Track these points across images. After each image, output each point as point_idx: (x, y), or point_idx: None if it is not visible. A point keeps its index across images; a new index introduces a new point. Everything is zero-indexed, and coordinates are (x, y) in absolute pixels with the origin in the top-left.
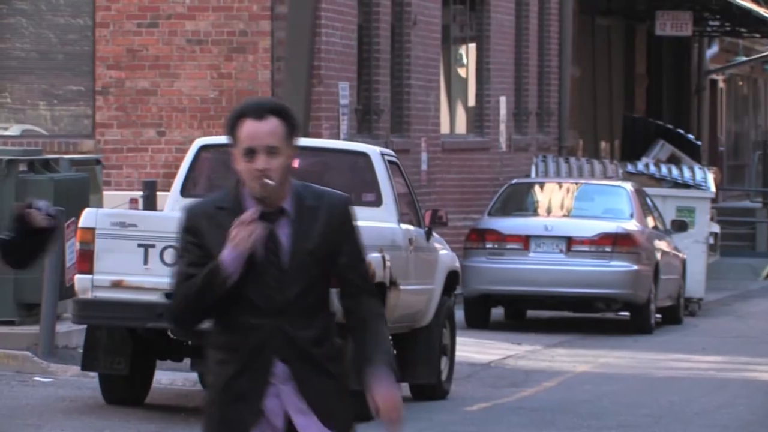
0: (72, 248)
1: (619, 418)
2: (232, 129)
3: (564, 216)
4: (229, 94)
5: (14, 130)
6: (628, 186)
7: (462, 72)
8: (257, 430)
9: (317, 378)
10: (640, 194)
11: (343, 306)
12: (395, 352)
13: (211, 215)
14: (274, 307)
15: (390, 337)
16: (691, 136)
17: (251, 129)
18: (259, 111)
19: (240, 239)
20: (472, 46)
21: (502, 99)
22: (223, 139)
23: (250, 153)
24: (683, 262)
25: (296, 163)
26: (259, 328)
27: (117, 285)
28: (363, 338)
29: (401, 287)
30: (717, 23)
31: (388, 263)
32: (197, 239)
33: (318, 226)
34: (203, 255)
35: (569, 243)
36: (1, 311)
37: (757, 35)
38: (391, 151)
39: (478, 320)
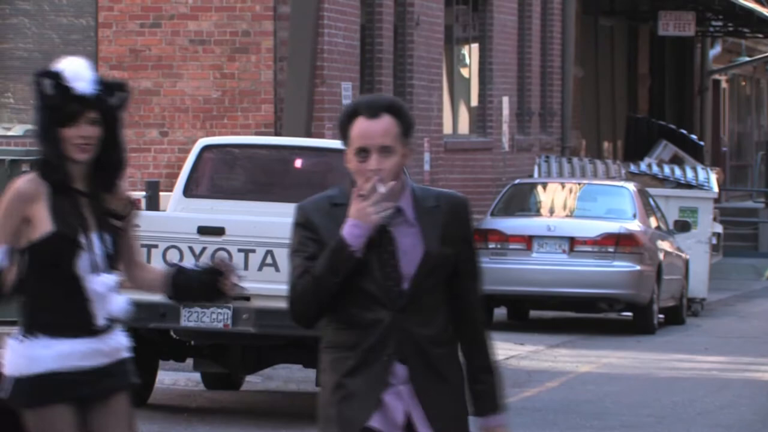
0: None
1: (621, 418)
2: (344, 127)
3: (567, 216)
4: (231, 95)
5: (17, 130)
6: (631, 186)
7: (465, 72)
8: (375, 421)
9: (434, 382)
10: (642, 194)
11: (450, 311)
12: None
13: (327, 211)
14: (393, 305)
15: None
16: (693, 137)
17: (364, 128)
18: (372, 109)
19: (366, 213)
20: (475, 46)
21: (505, 99)
22: (225, 140)
23: (363, 153)
24: (686, 262)
25: (299, 163)
26: (378, 323)
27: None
28: (470, 352)
29: None
30: (720, 23)
31: None
32: (313, 234)
33: (440, 227)
34: (320, 249)
35: (572, 243)
36: (4, 311)
37: (760, 35)
38: None
39: None
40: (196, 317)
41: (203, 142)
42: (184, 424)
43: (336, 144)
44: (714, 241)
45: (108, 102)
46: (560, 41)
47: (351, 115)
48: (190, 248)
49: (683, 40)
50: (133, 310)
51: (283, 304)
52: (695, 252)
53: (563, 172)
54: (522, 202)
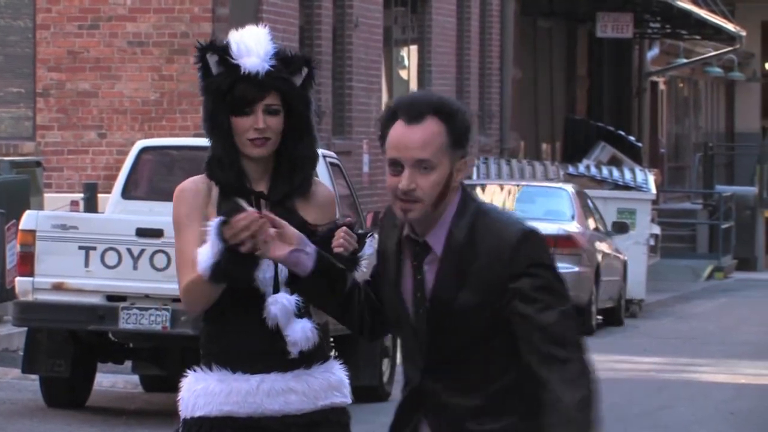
0: (12, 251)
1: None
2: (382, 131)
3: None
4: (170, 96)
5: None
6: (570, 188)
7: (403, 74)
8: None
9: None
10: (581, 196)
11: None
12: (337, 354)
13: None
14: (424, 363)
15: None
16: (631, 138)
17: (399, 135)
18: (413, 110)
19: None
20: (414, 48)
21: None
22: (164, 141)
23: (396, 166)
24: (624, 263)
25: None
26: (412, 381)
27: (58, 287)
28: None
29: None
30: (658, 25)
31: None
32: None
33: (464, 269)
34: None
35: None
36: None
37: (698, 37)
38: (332, 153)
39: None
40: (135, 319)
41: (141, 143)
42: (123, 427)
43: None
44: (652, 242)
45: (290, 82)
46: (499, 43)
47: (390, 116)
48: (129, 250)
49: (621, 42)
50: (74, 312)
51: None
52: (633, 253)
53: (502, 174)
54: None
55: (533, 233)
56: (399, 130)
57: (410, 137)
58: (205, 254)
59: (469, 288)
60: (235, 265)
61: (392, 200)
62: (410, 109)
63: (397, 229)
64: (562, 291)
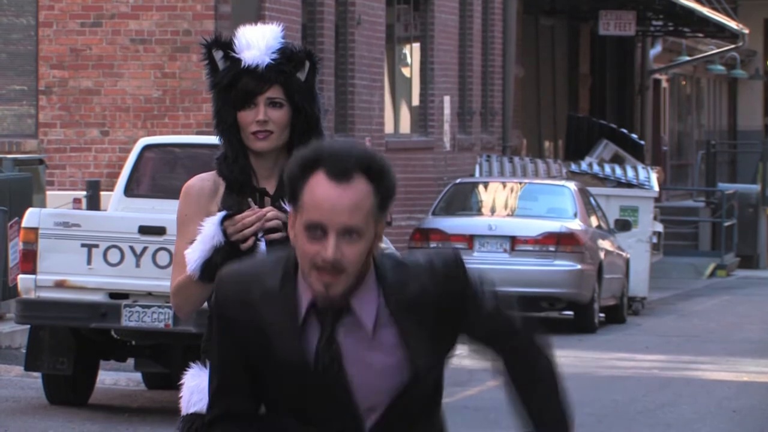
0: (15, 248)
1: None
2: (294, 183)
3: (508, 215)
4: (172, 94)
5: None
6: (572, 185)
7: (406, 72)
8: None
9: None
10: (583, 194)
11: (496, 361)
12: None
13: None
14: None
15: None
16: (634, 136)
17: (324, 195)
18: (339, 166)
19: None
20: (416, 45)
21: (446, 99)
22: (166, 139)
23: (315, 230)
24: (627, 261)
25: None
26: None
27: (60, 285)
28: (530, 399)
29: None
30: (660, 23)
31: None
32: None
33: (431, 321)
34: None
35: (513, 242)
36: None
37: (700, 35)
38: None
39: None
40: (137, 317)
41: (144, 141)
42: (125, 424)
43: None
44: (654, 240)
45: (292, 76)
46: (501, 41)
47: (308, 166)
48: (131, 248)
49: (624, 40)
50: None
51: None
52: (636, 251)
53: (504, 172)
54: (463, 201)
55: (458, 254)
56: (324, 188)
57: (340, 199)
58: (195, 254)
59: (413, 340)
60: (233, 261)
61: (308, 271)
62: (336, 164)
63: (286, 302)
64: (499, 293)
